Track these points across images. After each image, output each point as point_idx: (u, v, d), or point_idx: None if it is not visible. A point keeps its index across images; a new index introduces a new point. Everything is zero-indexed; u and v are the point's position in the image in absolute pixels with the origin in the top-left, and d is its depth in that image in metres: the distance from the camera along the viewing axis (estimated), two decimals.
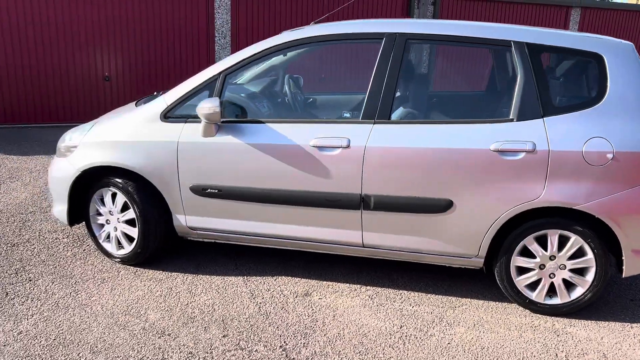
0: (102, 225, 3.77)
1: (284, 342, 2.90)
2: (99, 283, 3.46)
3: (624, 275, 3.15)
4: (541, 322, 3.20)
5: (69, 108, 8.34)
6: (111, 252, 3.75)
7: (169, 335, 2.93)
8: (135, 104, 4.01)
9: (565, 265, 3.17)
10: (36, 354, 2.70)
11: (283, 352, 2.81)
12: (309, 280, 3.61)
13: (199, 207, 3.51)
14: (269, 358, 2.75)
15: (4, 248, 3.91)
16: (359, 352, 2.83)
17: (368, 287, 3.54)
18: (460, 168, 3.12)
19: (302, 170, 3.30)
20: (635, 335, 3.09)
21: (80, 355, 2.71)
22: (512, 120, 3.12)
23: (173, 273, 3.64)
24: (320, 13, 9.41)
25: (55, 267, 3.65)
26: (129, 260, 3.69)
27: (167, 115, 3.50)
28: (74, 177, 3.64)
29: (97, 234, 3.78)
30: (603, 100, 3.08)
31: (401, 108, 3.37)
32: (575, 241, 3.11)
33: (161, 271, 3.66)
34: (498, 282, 3.30)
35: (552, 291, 3.26)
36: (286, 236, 3.48)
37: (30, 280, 3.46)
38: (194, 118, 3.45)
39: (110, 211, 3.67)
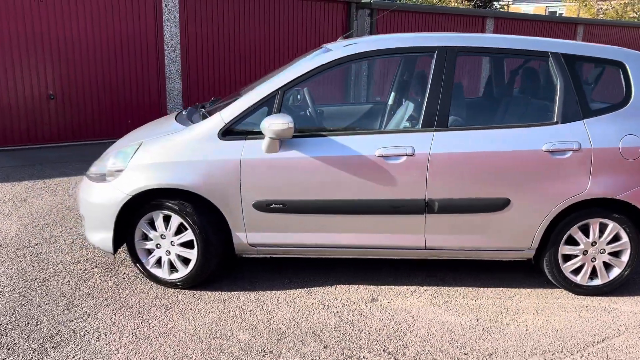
0: (148, 251, 3.61)
1: (385, 346, 3.00)
2: (164, 310, 3.32)
3: None
4: (589, 302, 3.57)
5: (10, 129, 7.68)
6: (162, 277, 3.60)
7: (272, 352, 2.91)
8: (176, 118, 3.92)
9: (604, 250, 3.57)
10: None
11: (390, 356, 2.91)
12: (367, 286, 3.72)
13: (261, 223, 3.50)
14: None
15: (35, 284, 3.61)
16: (457, 346, 3.01)
17: (425, 287, 3.73)
18: (515, 168, 3.42)
19: (368, 180, 3.42)
20: None
21: None
22: (557, 123, 3.48)
23: (232, 292, 3.58)
24: (266, 21, 9.47)
25: (106, 299, 3.44)
26: (184, 284, 3.57)
27: (226, 133, 3.46)
28: (123, 202, 3.46)
29: (143, 260, 3.61)
30: (630, 102, 3.53)
31: (453, 116, 3.60)
32: (613, 227, 3.53)
33: (218, 291, 3.58)
34: (546, 270, 3.63)
35: (592, 274, 3.65)
36: (351, 245, 3.57)
37: (89, 315, 3.24)
38: (254, 135, 3.44)
39: (162, 235, 3.54)
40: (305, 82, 3.51)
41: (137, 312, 3.29)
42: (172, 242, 3.54)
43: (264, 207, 3.46)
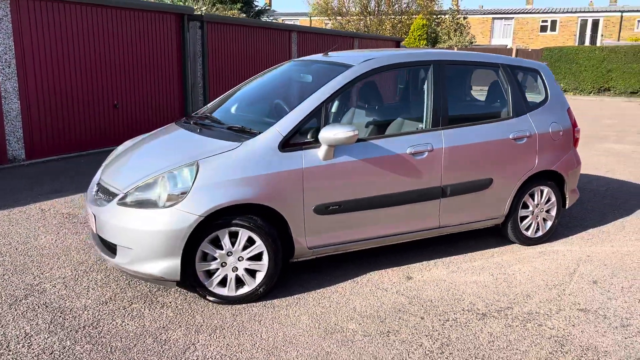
0: (209, 273, 3.53)
1: (460, 307, 3.65)
2: (258, 322, 3.36)
3: (566, 207, 5.02)
4: (539, 249, 4.79)
5: None
6: (228, 295, 3.57)
7: (389, 332, 3.29)
8: (198, 132, 3.99)
9: (543, 209, 4.83)
10: None
11: (472, 313, 3.57)
12: (392, 269, 4.26)
13: (319, 226, 3.76)
14: (513, 322, 3.49)
15: (96, 316, 3.19)
16: (501, 294, 3.83)
17: (435, 261, 4.44)
18: (495, 153, 4.41)
19: (402, 175, 4.01)
20: (589, 240, 4.98)
21: None
22: (512, 117, 4.57)
23: (294, 296, 3.75)
24: (104, 33, 8.81)
25: (188, 327, 3.28)
26: (251, 297, 3.61)
27: (284, 145, 3.62)
28: (195, 224, 3.35)
29: (205, 283, 3.51)
30: (549, 100, 4.84)
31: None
32: (547, 192, 4.80)
33: (281, 298, 3.71)
34: (510, 230, 4.72)
35: (536, 229, 4.88)
36: (389, 234, 4.10)
37: (193, 345, 3.09)
38: (309, 144, 3.69)
39: (228, 252, 3.50)
40: (341, 95, 3.90)
41: (236, 331, 3.26)
42: (239, 257, 3.55)
43: (322, 210, 3.74)
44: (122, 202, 3.49)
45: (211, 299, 3.58)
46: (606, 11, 39.03)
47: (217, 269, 3.54)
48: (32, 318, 3.35)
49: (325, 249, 3.90)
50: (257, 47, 12.54)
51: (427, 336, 3.28)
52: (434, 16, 35.03)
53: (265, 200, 3.54)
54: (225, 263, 3.54)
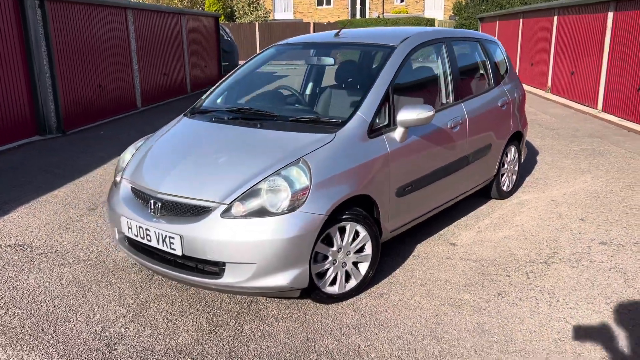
0: (321, 275, 3.31)
1: (512, 266, 4.05)
2: (389, 313, 3.28)
3: (521, 161, 5.80)
4: (515, 201, 5.46)
5: None
6: (338, 293, 3.39)
7: (482, 283, 3.54)
8: (249, 126, 3.73)
9: (513, 165, 5.51)
10: None
11: (522, 273, 4.00)
12: (430, 240, 4.47)
13: (398, 208, 3.78)
14: (572, 264, 3.92)
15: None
16: (535, 242, 4.36)
17: (457, 225, 4.77)
18: (492, 120, 4.88)
19: (448, 148, 4.24)
20: (536, 188, 5.81)
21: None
22: (492, 88, 5.08)
23: (385, 281, 3.73)
24: None
25: (331, 333, 3.05)
26: (359, 290, 3.50)
27: (370, 132, 3.51)
28: (321, 225, 3.10)
29: (319, 284, 3.29)
30: (509, 72, 5.46)
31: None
32: (514, 150, 5.50)
33: (379, 285, 3.65)
34: (494, 188, 5.29)
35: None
36: (437, 205, 4.28)
37: (359, 348, 2.91)
38: (387, 128, 3.65)
39: (339, 249, 3.32)
40: (399, 75, 3.89)
41: (374, 325, 3.16)
42: (347, 252, 3.39)
43: (401, 192, 3.76)
44: (228, 215, 3.04)
45: (319, 301, 3.38)
46: None
47: (329, 268, 3.35)
48: None
49: (398, 230, 3.94)
50: (112, 27, 11.16)
51: (531, 289, 3.62)
52: None
53: (365, 190, 3.43)
54: (336, 260, 3.36)
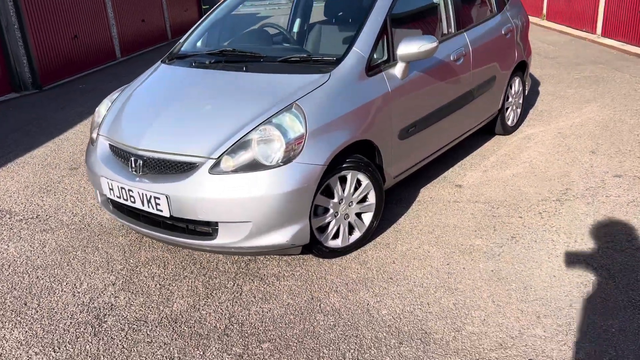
0: (322, 229, 3.06)
1: (524, 205, 3.82)
2: (396, 265, 3.07)
3: (526, 93, 5.46)
4: (521, 135, 5.18)
5: None
6: (342, 246, 3.16)
7: (493, 227, 3.32)
8: (234, 70, 3.36)
9: (518, 98, 5.18)
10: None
11: (536, 214, 3.77)
12: (435, 184, 4.22)
13: (401, 151, 3.49)
14: (588, 201, 3.70)
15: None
16: (544, 179, 4.11)
17: (462, 166, 4.51)
18: (496, 50, 4.52)
19: (452, 82, 3.92)
20: (541, 120, 5.52)
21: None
22: (495, 14, 4.68)
23: (391, 228, 3.49)
24: None
25: (337, 290, 2.84)
26: (362, 241, 3.27)
27: (368, 69, 3.17)
28: (320, 175, 2.81)
29: (321, 239, 3.04)
30: (509, 1, 5.03)
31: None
32: (519, 80, 5.14)
33: (384, 235, 3.42)
34: (499, 123, 4.98)
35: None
36: (444, 144, 4.01)
37: (368, 305, 2.71)
38: (386, 63, 3.30)
39: (340, 200, 3.05)
40: (396, 4, 3.49)
41: (383, 280, 2.94)
42: (350, 202, 3.12)
43: (404, 134, 3.46)
44: (217, 170, 2.74)
45: (322, 256, 3.15)
46: None
47: (331, 221, 3.09)
48: None
49: (402, 175, 3.67)
50: None
51: (546, 230, 3.39)
52: None
53: (366, 135, 3.13)
54: (338, 213, 3.10)
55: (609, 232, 3.33)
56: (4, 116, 7.23)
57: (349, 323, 2.62)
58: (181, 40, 4.05)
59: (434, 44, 3.27)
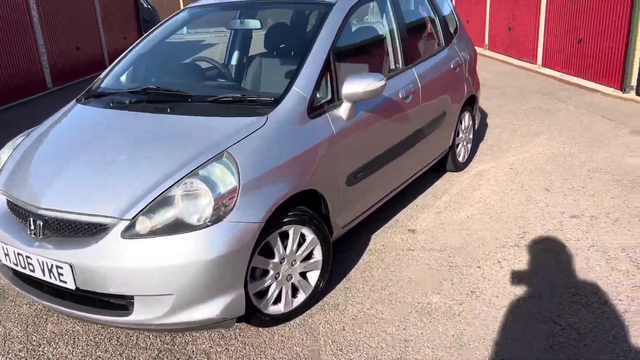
0: (261, 294, 2.65)
1: (518, 234, 3.55)
2: (361, 325, 2.68)
3: (475, 128, 5.27)
4: (472, 172, 4.97)
5: None
6: (283, 312, 2.75)
7: (455, 265, 3.01)
8: (157, 112, 2.91)
9: (468, 133, 4.98)
10: None
11: (528, 235, 3.51)
12: (385, 227, 3.90)
13: (350, 198, 3.15)
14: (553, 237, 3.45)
15: None
16: (496, 214, 3.87)
17: (410, 207, 4.21)
18: (446, 85, 4.29)
19: (402, 121, 3.63)
20: (491, 156, 5.33)
21: None
22: (443, 48, 4.47)
23: (344, 282, 3.11)
24: None
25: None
26: (308, 304, 2.87)
27: (311, 110, 2.82)
28: (257, 235, 2.41)
29: (260, 306, 2.63)
30: (459, 29, 4.86)
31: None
32: (469, 115, 4.94)
33: (336, 291, 3.03)
34: (450, 159, 4.74)
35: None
36: (395, 187, 3.69)
37: None
38: (329, 103, 2.97)
39: (281, 260, 2.66)
40: (340, 38, 3.18)
41: (354, 347, 2.55)
42: (293, 261, 2.73)
43: (352, 180, 3.13)
44: (131, 233, 2.30)
45: (261, 325, 2.73)
46: None
47: (271, 285, 2.69)
48: None
49: (353, 223, 3.32)
50: None
51: (507, 282, 3.11)
52: None
53: (310, 184, 2.77)
54: (279, 274, 2.70)
55: (572, 283, 3.08)
56: None
57: None
58: (101, 75, 3.59)
59: (381, 83, 2.97)
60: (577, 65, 9.20)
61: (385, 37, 3.75)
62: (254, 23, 3.73)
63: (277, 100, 2.80)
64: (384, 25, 3.77)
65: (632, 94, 7.55)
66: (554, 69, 10.12)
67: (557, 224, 3.82)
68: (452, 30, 4.76)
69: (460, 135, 4.84)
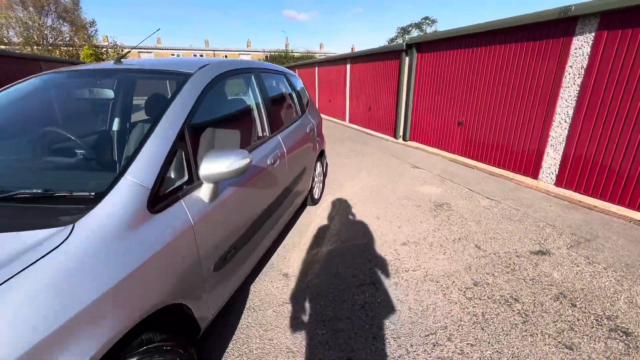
0: None
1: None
2: None
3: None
4: (326, 203, 3.65)
5: None
6: None
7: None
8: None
9: (319, 177, 3.65)
10: None
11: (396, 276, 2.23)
12: (254, 276, 2.38)
13: (219, 281, 1.60)
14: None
15: None
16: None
17: (282, 248, 2.73)
18: (304, 146, 2.90)
19: (271, 187, 2.13)
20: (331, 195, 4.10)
21: None
22: (300, 116, 3.08)
23: (231, 353, 1.54)
24: None
25: None
26: None
27: (155, 202, 1.18)
28: None
29: None
30: (309, 101, 3.51)
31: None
32: (320, 163, 3.61)
33: None
34: (309, 198, 3.38)
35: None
36: (267, 247, 2.17)
37: None
38: (187, 184, 1.37)
39: None
40: (197, 112, 1.57)
41: None
42: None
43: (222, 262, 1.60)
44: None
45: None
46: (207, 50, 37.43)
47: None
48: None
49: (226, 300, 1.75)
50: None
51: (387, 336, 1.82)
52: (98, 48, 26.01)
53: (164, 299, 1.17)
54: None
55: (424, 324, 1.91)
56: None
57: None
58: None
59: (246, 161, 1.50)
60: (369, 123, 8.58)
61: (252, 109, 2.25)
62: (105, 92, 1.96)
63: (100, 196, 1.16)
64: (250, 98, 2.27)
65: (400, 140, 7.01)
66: (355, 124, 9.46)
67: (394, 253, 2.67)
68: (305, 103, 3.42)
69: (315, 179, 3.52)
